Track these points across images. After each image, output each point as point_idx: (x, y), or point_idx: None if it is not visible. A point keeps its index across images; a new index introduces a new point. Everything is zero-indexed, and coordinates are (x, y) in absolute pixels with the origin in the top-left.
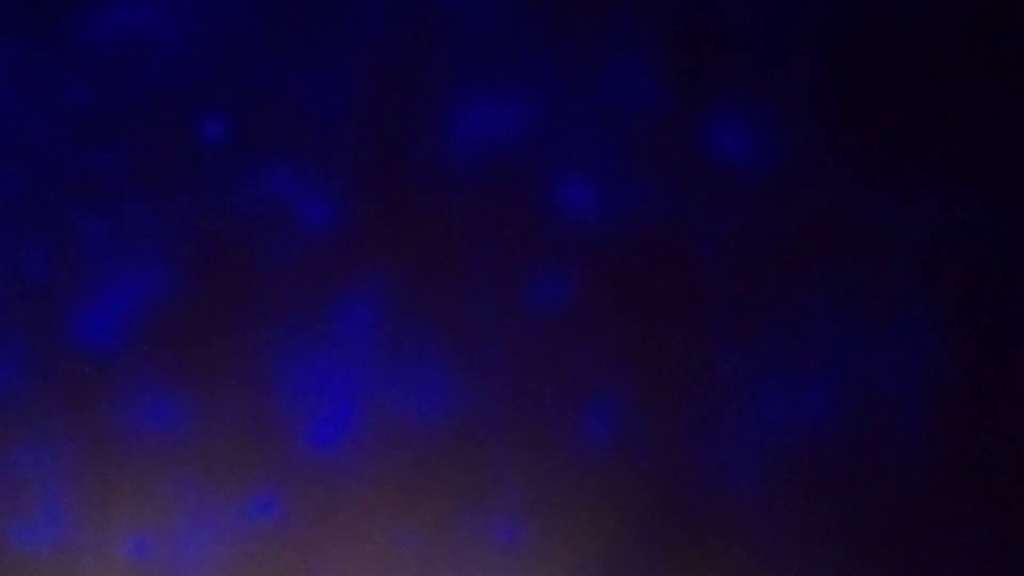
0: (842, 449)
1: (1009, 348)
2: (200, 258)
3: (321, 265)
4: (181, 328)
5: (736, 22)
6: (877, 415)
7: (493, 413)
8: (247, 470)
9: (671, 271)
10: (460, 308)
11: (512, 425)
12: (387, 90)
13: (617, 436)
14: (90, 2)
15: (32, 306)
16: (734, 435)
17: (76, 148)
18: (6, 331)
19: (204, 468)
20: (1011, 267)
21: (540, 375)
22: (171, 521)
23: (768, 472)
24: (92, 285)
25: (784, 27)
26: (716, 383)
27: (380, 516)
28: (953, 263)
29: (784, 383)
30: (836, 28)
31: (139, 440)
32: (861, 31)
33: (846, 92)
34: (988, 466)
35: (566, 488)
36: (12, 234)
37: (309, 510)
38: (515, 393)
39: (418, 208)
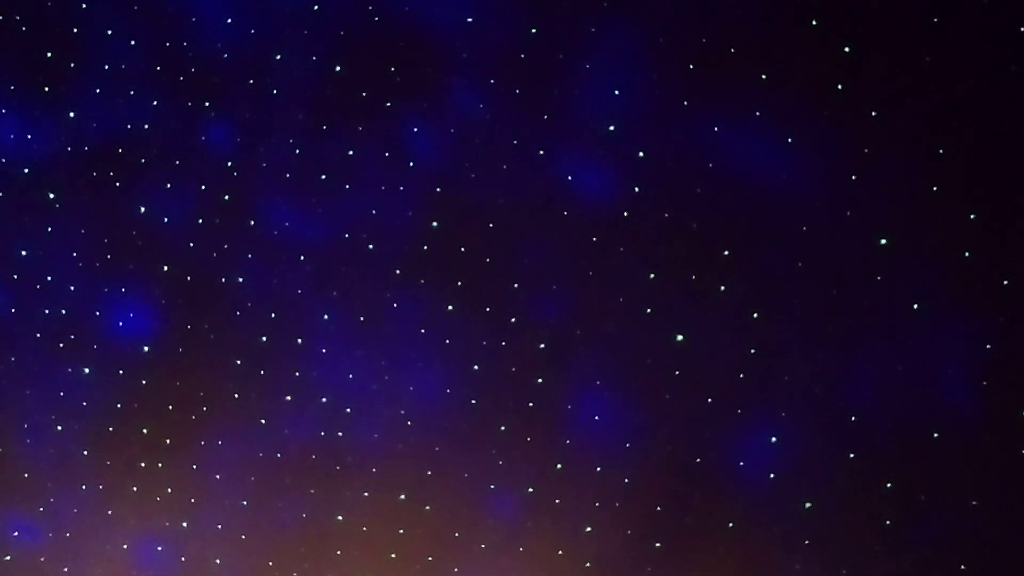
0: (852, 445)
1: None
2: None
3: None
4: None
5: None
6: (883, 413)
7: (508, 405)
8: None
9: (677, 268)
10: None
11: (521, 419)
12: None
13: (624, 430)
14: None
15: None
16: (743, 430)
17: None
18: None
19: None
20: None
21: (553, 368)
22: None
23: (779, 465)
24: None
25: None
26: (724, 379)
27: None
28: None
29: (789, 381)
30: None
31: None
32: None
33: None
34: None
35: (574, 481)
36: None
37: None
38: (525, 386)
39: None
